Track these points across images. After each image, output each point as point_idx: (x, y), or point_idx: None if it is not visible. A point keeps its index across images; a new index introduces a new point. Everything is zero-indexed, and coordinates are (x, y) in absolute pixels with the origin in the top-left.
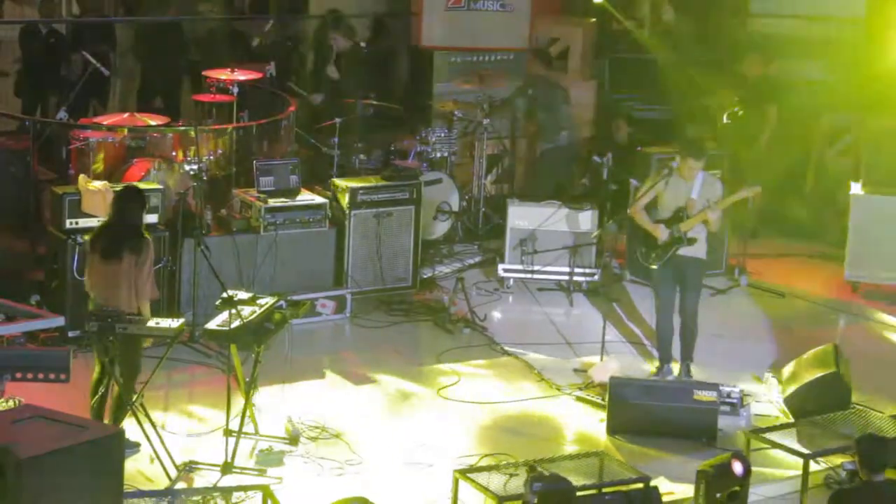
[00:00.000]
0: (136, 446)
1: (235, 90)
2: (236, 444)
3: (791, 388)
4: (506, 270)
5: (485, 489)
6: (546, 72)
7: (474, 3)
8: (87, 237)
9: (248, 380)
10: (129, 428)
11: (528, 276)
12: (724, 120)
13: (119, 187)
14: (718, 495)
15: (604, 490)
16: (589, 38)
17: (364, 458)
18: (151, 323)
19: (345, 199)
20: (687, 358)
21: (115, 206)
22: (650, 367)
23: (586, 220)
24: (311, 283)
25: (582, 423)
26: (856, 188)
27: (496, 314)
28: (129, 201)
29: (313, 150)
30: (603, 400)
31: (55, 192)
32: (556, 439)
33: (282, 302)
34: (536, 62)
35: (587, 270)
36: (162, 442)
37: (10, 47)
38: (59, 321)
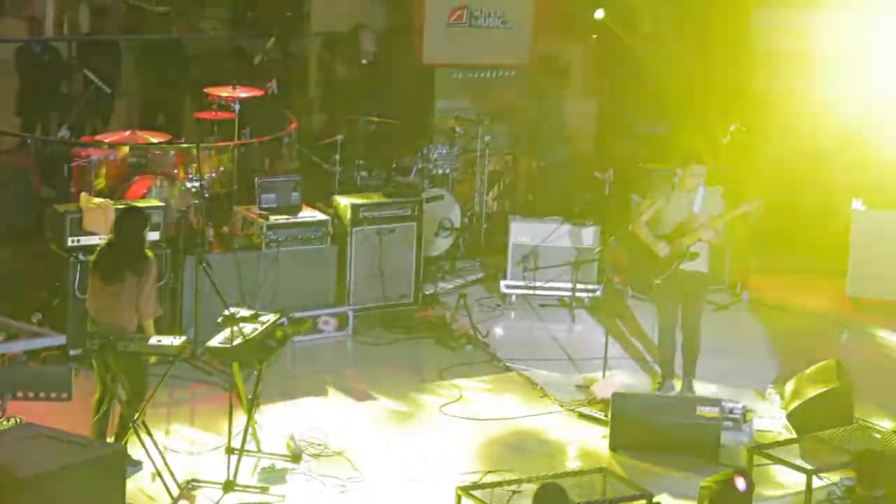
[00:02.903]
0: (138, 464)
1: (237, 107)
2: (238, 461)
3: (793, 404)
4: (508, 286)
5: None
6: (554, 86)
7: (476, 20)
8: (91, 258)
9: (250, 397)
10: (132, 446)
11: (531, 292)
12: (728, 137)
13: (120, 205)
14: None
15: None
16: (590, 54)
17: (366, 474)
18: (153, 341)
19: (346, 216)
20: (689, 373)
21: (117, 227)
22: (652, 383)
23: (588, 236)
24: (312, 301)
25: (584, 440)
26: (857, 204)
27: (498, 330)
28: (131, 221)
29: (315, 166)
30: (605, 416)
31: (57, 210)
32: (558, 455)
33: (284, 319)
34: (543, 74)
35: (589, 286)
36: (164, 460)
37: None
38: (61, 339)
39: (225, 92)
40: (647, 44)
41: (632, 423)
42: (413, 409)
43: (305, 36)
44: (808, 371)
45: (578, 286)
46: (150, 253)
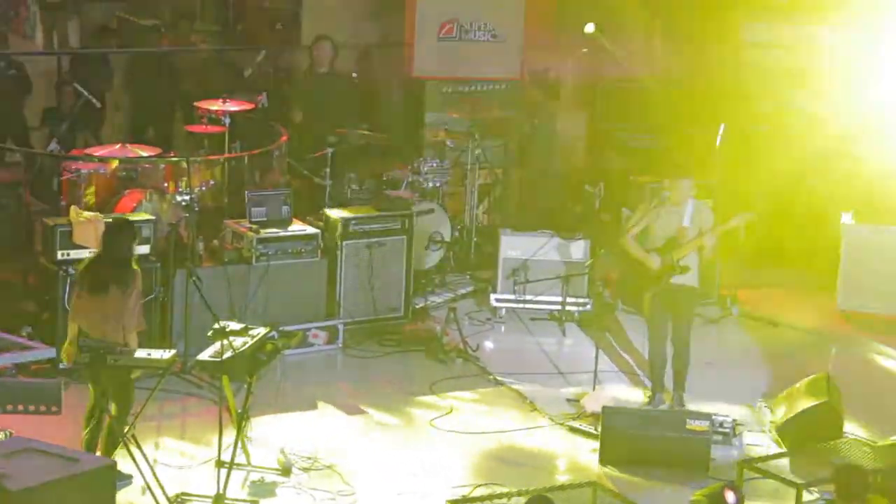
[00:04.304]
0: (128, 478)
1: (227, 121)
2: (228, 475)
3: (783, 418)
4: (498, 300)
5: None
6: (544, 100)
7: (466, 33)
8: (79, 266)
9: (240, 411)
10: (121, 460)
11: (521, 305)
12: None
13: (110, 219)
14: None
15: None
16: (580, 67)
17: (356, 488)
18: (143, 354)
19: (337, 230)
20: (679, 387)
21: (105, 240)
22: (643, 397)
23: (578, 249)
24: (302, 314)
25: (574, 453)
26: (847, 218)
27: (488, 344)
28: (119, 234)
29: (305, 180)
30: (595, 430)
31: (46, 224)
32: (548, 469)
33: (274, 332)
34: (534, 90)
35: (579, 300)
36: (154, 474)
37: None
38: (51, 353)
39: (215, 105)
40: (637, 58)
41: (622, 437)
42: (403, 423)
43: (296, 49)
44: (797, 385)
45: (568, 300)
46: (136, 265)
